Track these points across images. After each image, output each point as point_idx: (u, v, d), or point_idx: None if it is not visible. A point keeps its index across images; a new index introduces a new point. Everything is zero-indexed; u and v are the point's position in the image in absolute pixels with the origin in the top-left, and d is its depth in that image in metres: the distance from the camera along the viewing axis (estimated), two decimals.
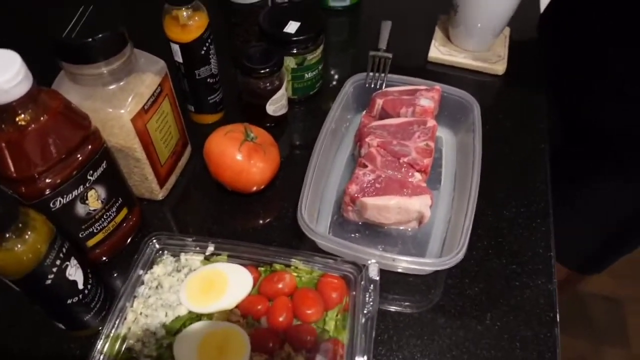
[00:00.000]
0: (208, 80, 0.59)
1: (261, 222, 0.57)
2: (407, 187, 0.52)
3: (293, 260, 0.46)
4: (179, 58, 0.56)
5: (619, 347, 1.46)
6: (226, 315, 0.43)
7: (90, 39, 0.42)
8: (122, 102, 0.46)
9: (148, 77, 0.49)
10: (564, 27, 0.74)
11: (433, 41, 0.77)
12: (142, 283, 0.45)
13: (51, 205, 0.42)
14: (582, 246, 0.82)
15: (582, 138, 0.73)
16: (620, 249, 0.82)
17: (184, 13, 0.53)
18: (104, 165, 0.45)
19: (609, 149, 0.70)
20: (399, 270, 0.51)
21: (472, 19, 0.70)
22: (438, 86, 0.62)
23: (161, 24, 0.55)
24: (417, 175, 0.54)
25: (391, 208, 0.51)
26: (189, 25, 0.54)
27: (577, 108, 0.71)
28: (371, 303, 0.43)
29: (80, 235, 0.46)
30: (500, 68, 0.73)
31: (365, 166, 0.54)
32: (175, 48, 0.55)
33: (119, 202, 0.49)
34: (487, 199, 0.58)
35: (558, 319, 0.50)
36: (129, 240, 0.53)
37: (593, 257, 0.84)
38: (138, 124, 0.48)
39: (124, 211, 0.50)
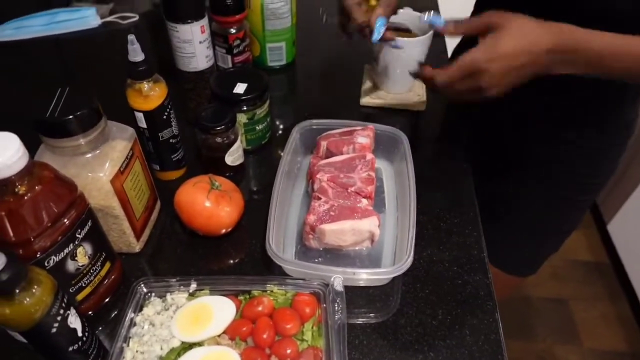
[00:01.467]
0: (170, 140, 0.67)
1: (233, 260, 0.64)
2: (357, 212, 0.61)
3: (268, 285, 0.53)
4: (143, 124, 0.63)
5: (571, 344, 1.58)
6: (216, 341, 0.48)
7: (70, 117, 0.49)
8: (100, 167, 0.52)
9: (120, 143, 0.55)
10: None
11: (362, 88, 0.88)
12: (135, 324, 0.50)
13: (45, 264, 0.46)
14: (513, 251, 0.92)
15: (497, 154, 0.86)
16: (545, 249, 0.93)
17: (145, 86, 0.61)
18: (89, 223, 0.50)
19: (520, 162, 0.83)
20: (361, 284, 0.59)
21: (390, 67, 0.83)
22: (371, 125, 0.72)
23: (125, 96, 0.62)
24: (364, 201, 0.63)
25: (346, 231, 0.60)
26: (150, 95, 0.61)
27: (487, 133, 0.85)
28: (340, 312, 0.50)
29: (70, 290, 0.51)
30: (421, 105, 0.85)
31: (319, 199, 0.63)
32: (140, 116, 0.62)
33: (103, 256, 0.54)
34: (426, 214, 0.68)
35: (497, 306, 0.60)
36: (111, 294, 0.58)
37: (524, 259, 0.95)
38: (116, 184, 0.54)
39: (107, 265, 0.55)
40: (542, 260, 0.95)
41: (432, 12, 0.62)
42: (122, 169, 0.54)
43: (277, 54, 0.93)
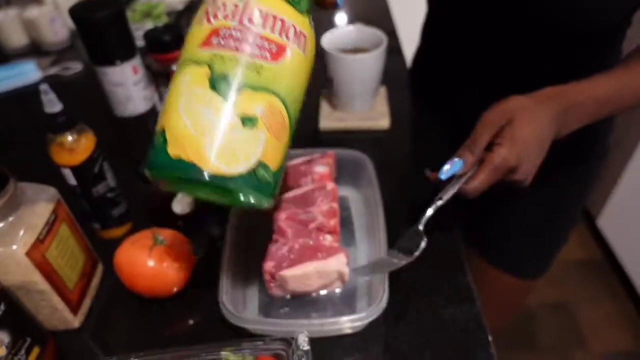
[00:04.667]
0: (107, 195, 0.60)
1: (190, 322, 0.56)
2: (321, 251, 0.54)
3: (222, 353, 0.45)
4: (72, 181, 0.56)
5: (581, 349, 1.51)
6: None
7: None
8: (13, 238, 0.45)
9: (39, 206, 0.48)
10: (428, 77, 0.84)
11: (320, 112, 0.83)
12: None
13: None
14: (523, 253, 0.87)
15: None
16: (556, 241, 0.88)
17: (69, 138, 0.54)
18: (1, 307, 0.43)
19: None
20: (333, 334, 0.52)
21: (347, 87, 0.78)
22: (331, 152, 0.66)
23: (47, 152, 0.55)
24: (328, 237, 0.56)
25: (310, 274, 0.53)
26: (76, 148, 0.55)
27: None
28: None
29: None
30: (384, 123, 0.80)
31: (277, 241, 0.56)
32: (67, 172, 0.55)
33: (28, 342, 0.46)
34: None
35: (490, 338, 0.53)
36: None
37: (536, 258, 0.89)
38: (35, 256, 0.46)
39: (36, 350, 0.47)
40: (554, 255, 0.90)
41: (446, 166, 0.52)
42: (42, 237, 0.47)
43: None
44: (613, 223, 1.64)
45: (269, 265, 0.53)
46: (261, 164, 0.38)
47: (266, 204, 0.41)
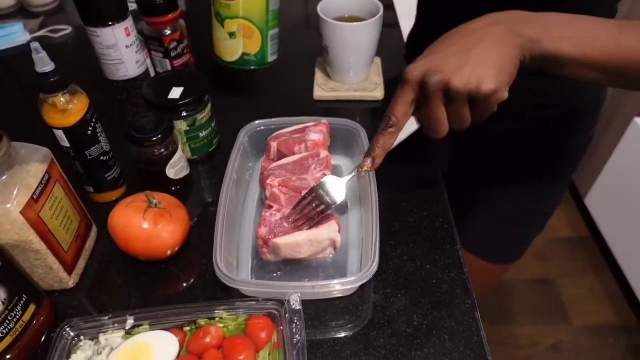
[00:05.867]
0: (101, 158, 0.59)
1: (184, 284, 0.57)
2: None
3: (216, 311, 0.46)
4: (65, 142, 0.56)
5: (562, 323, 1.55)
6: None
7: None
8: (7, 197, 0.45)
9: (32, 166, 0.48)
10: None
11: (315, 81, 0.83)
12: None
13: None
14: (497, 239, 0.88)
15: (464, 137, 0.81)
16: (530, 231, 0.89)
17: (61, 99, 0.53)
18: None
19: (488, 143, 0.78)
20: (324, 297, 0.53)
21: (342, 56, 0.77)
22: (324, 120, 0.67)
23: (38, 113, 0.55)
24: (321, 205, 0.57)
25: (302, 243, 0.54)
26: (68, 109, 0.54)
27: None
28: (298, 333, 0.44)
29: None
30: (378, 94, 0.80)
31: (270, 207, 0.56)
32: (59, 133, 0.55)
33: (24, 299, 0.47)
34: (391, 211, 0.62)
35: (476, 304, 0.54)
36: (43, 338, 0.50)
37: (509, 246, 0.91)
38: (29, 214, 0.46)
39: (31, 307, 0.48)
40: (528, 244, 0.91)
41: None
42: (35, 196, 0.47)
43: (274, 44, 0.76)
44: (600, 201, 1.67)
45: (262, 230, 0.53)
46: (244, 54, 0.73)
47: (269, 60, 0.76)
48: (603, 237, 1.65)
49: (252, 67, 0.75)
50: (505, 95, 0.45)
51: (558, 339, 1.51)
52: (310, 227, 0.54)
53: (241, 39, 0.72)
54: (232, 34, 0.71)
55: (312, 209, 0.54)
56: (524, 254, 0.93)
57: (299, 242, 0.53)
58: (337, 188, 0.54)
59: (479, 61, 0.43)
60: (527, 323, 1.55)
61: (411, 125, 0.52)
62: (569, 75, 0.49)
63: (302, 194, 0.55)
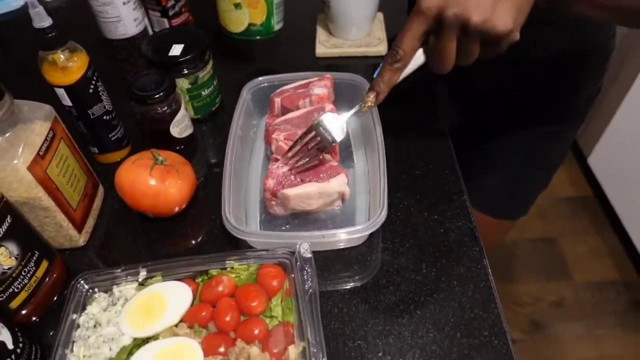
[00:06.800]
0: (104, 117, 0.59)
1: (193, 241, 0.57)
2: (322, 172, 0.55)
3: (227, 262, 0.47)
4: (67, 102, 0.55)
5: (565, 280, 1.57)
6: (172, 332, 0.42)
7: None
8: (13, 154, 0.45)
9: (36, 124, 0.48)
10: None
11: (317, 38, 0.81)
12: (78, 326, 0.43)
13: None
14: (503, 195, 0.88)
15: (468, 92, 0.80)
16: (535, 187, 0.89)
17: (61, 56, 0.52)
18: (8, 220, 0.43)
19: (493, 101, 0.77)
20: (334, 247, 0.54)
21: (344, 11, 0.75)
22: (328, 75, 0.66)
23: (40, 72, 0.54)
24: (328, 157, 0.57)
25: (312, 194, 0.54)
26: (69, 67, 0.53)
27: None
28: (310, 280, 0.45)
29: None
30: (382, 49, 0.78)
31: (277, 160, 0.56)
32: (61, 92, 0.54)
33: (36, 255, 0.47)
34: (398, 163, 0.62)
35: (484, 251, 0.55)
36: (57, 295, 0.51)
37: (515, 201, 0.91)
38: (37, 171, 0.46)
39: (44, 264, 0.48)
40: (533, 200, 0.91)
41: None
42: (41, 153, 0.47)
43: (280, 12, 0.76)
44: (603, 161, 1.67)
45: (270, 182, 0.53)
46: (251, 24, 0.73)
47: (276, 29, 0.76)
48: (606, 196, 1.65)
49: (259, 38, 0.76)
50: (517, 37, 0.44)
51: (561, 295, 1.53)
52: (309, 167, 0.53)
53: (247, 9, 0.71)
54: (237, 5, 0.71)
55: (312, 147, 0.52)
56: (529, 209, 0.93)
57: (310, 193, 0.53)
58: (337, 126, 0.52)
59: None
60: (531, 281, 1.57)
61: (417, 59, 0.49)
62: (578, 15, 0.48)
63: (300, 134, 0.53)
